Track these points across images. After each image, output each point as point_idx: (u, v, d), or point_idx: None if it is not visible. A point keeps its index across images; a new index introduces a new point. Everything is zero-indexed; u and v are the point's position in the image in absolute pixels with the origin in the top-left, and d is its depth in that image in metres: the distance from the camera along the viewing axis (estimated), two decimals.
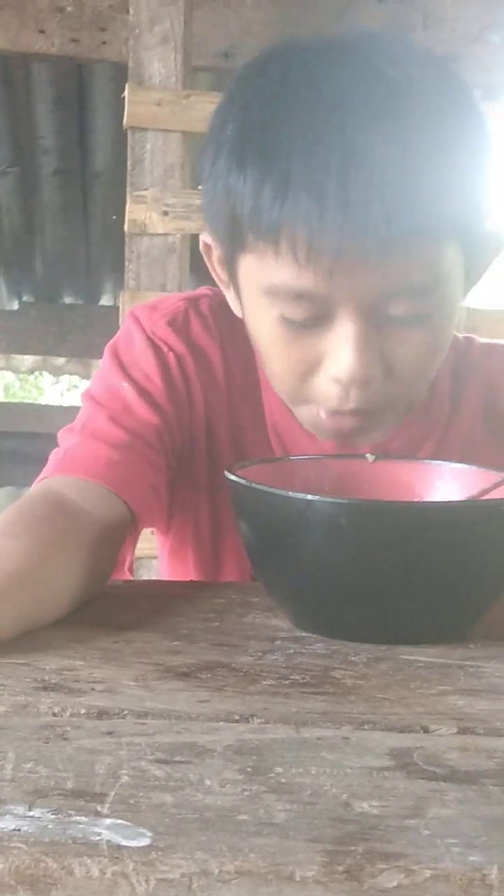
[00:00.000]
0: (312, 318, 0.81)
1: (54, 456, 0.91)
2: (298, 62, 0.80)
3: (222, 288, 0.92)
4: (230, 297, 0.91)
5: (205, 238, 0.91)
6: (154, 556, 1.15)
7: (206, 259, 0.92)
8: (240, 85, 0.83)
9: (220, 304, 0.96)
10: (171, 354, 0.95)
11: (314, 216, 0.75)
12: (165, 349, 0.95)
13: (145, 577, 1.89)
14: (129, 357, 0.95)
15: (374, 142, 0.75)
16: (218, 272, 0.91)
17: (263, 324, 0.85)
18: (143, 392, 0.93)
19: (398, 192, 0.74)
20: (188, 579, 1.01)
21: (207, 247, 0.91)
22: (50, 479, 0.88)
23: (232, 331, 0.96)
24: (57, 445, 0.93)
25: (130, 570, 0.93)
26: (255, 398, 0.97)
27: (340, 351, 0.81)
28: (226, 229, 0.83)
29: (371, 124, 0.75)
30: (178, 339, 0.95)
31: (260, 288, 0.83)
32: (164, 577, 1.06)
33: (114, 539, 0.85)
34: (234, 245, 0.84)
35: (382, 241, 0.75)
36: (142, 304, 0.99)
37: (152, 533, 1.07)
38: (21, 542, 0.76)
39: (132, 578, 0.94)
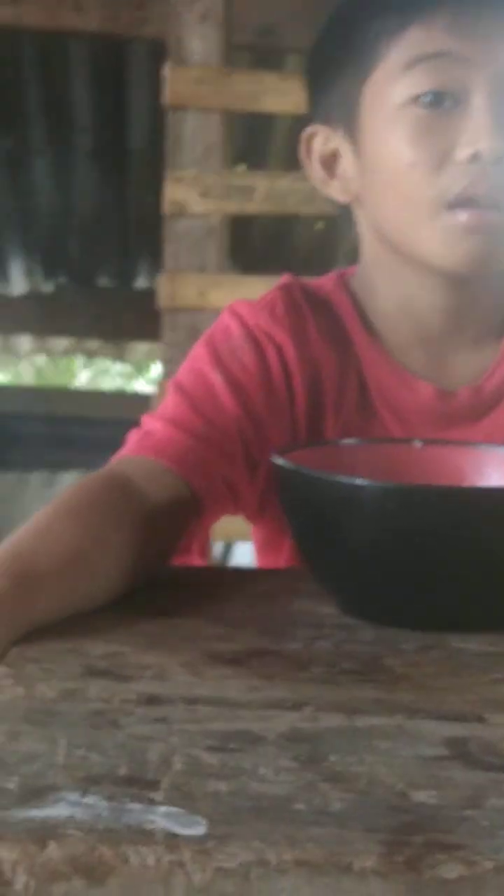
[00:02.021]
0: (448, 90, 0.87)
1: (132, 436, 0.91)
2: None
3: (321, 182, 0.97)
4: (333, 185, 0.96)
5: (311, 129, 0.96)
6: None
7: (305, 159, 0.97)
8: None
9: (307, 289, 1.00)
10: (270, 347, 0.95)
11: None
12: (266, 341, 0.95)
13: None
14: (226, 347, 0.95)
15: None
16: (321, 163, 0.96)
17: (393, 128, 0.89)
18: (233, 382, 0.93)
19: None
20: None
21: (309, 143, 0.96)
22: (121, 459, 0.88)
23: (325, 308, 0.99)
24: (132, 427, 0.93)
25: (202, 554, 0.93)
26: (356, 367, 0.98)
27: (477, 122, 0.86)
28: (355, 59, 0.91)
29: None
30: (280, 327, 0.96)
31: (395, 75, 0.88)
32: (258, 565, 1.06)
33: (174, 525, 0.85)
34: (364, 71, 0.91)
35: None
36: (240, 300, 1.00)
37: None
38: (74, 525, 0.76)
39: (203, 563, 0.94)
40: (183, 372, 0.96)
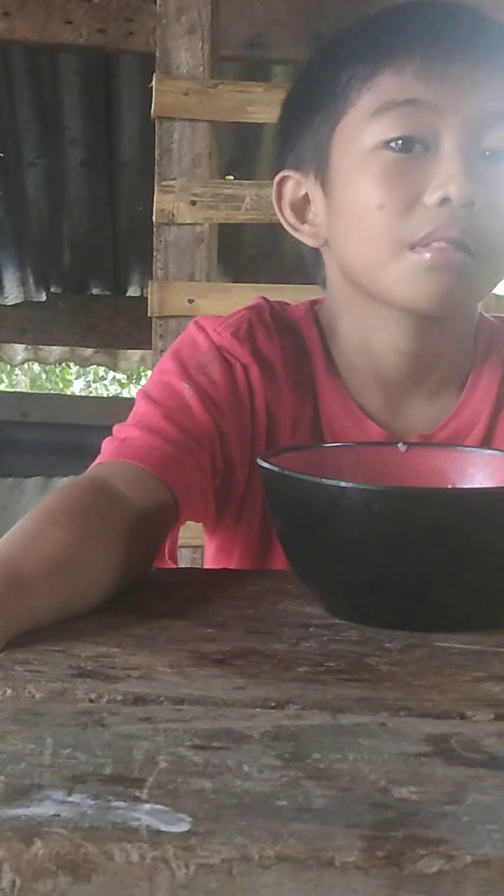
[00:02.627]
0: (418, 136, 0.88)
1: (108, 444, 0.92)
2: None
3: (291, 227, 0.99)
4: (303, 230, 0.98)
5: (283, 174, 0.98)
6: (187, 546, 1.15)
7: (276, 204, 0.99)
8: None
9: (279, 313, 1.02)
10: (237, 365, 0.96)
11: (429, 36, 0.88)
12: (232, 360, 0.97)
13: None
14: (193, 361, 0.96)
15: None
16: (291, 209, 0.98)
17: (363, 171, 0.90)
18: (203, 395, 0.94)
19: (490, 33, 0.90)
20: None
21: (280, 188, 0.98)
22: (101, 466, 0.89)
23: (292, 335, 1.00)
24: (101, 438, 0.94)
25: (172, 557, 0.94)
26: (312, 399, 0.99)
27: (447, 167, 0.87)
28: (327, 104, 0.93)
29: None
30: (244, 348, 0.97)
31: (365, 120, 0.90)
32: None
33: (156, 530, 0.86)
34: (334, 117, 0.92)
35: (478, 61, 0.88)
36: (206, 315, 1.02)
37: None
38: (62, 530, 0.77)
39: (174, 566, 0.95)
40: (151, 384, 0.97)
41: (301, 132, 0.96)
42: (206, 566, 1.10)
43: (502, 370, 1.01)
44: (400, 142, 0.88)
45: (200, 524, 1.05)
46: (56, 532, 0.76)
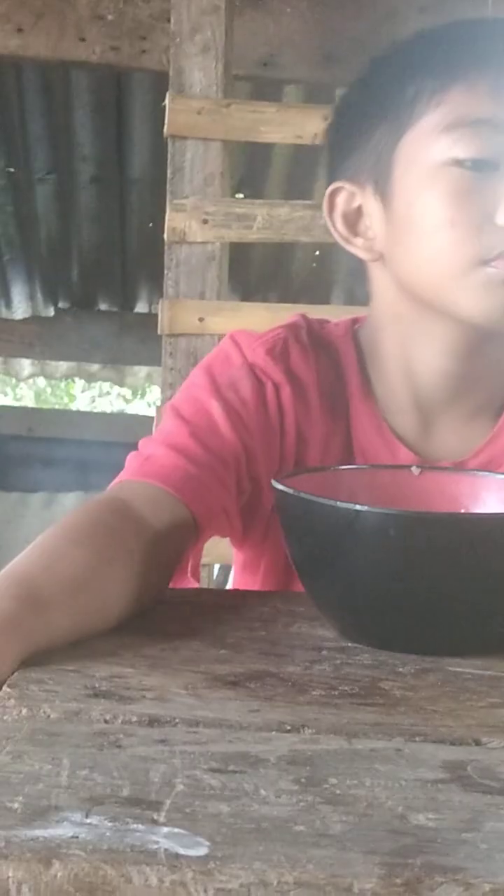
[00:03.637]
0: (491, 157, 0.87)
1: (133, 460, 0.92)
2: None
3: (343, 239, 0.97)
4: (356, 243, 0.96)
5: (336, 185, 0.96)
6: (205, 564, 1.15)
7: (327, 215, 0.97)
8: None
9: (317, 331, 1.01)
10: (269, 384, 0.96)
11: (501, 53, 0.88)
12: (264, 379, 0.96)
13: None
14: (224, 378, 0.96)
15: None
16: (343, 220, 0.96)
17: (431, 188, 0.89)
18: (231, 413, 0.93)
19: None
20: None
21: (332, 200, 0.96)
22: (122, 484, 0.89)
23: (328, 355, 0.99)
24: (133, 449, 0.94)
25: (195, 575, 0.94)
26: (345, 421, 0.99)
27: None
28: (391, 117, 0.92)
29: None
30: (277, 367, 0.96)
31: (434, 136, 0.89)
32: (236, 587, 1.08)
33: (174, 551, 0.86)
34: (397, 131, 0.91)
35: None
36: (242, 330, 1.01)
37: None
38: (81, 550, 0.77)
39: (197, 585, 0.95)
40: (181, 398, 0.97)
41: (358, 143, 0.95)
42: (233, 579, 1.10)
43: None
44: (470, 162, 0.88)
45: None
46: (75, 552, 0.76)
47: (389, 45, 0.98)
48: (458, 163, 0.88)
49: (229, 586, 1.43)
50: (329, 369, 0.99)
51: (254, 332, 1.00)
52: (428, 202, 0.90)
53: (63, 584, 0.72)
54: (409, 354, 0.96)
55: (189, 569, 0.92)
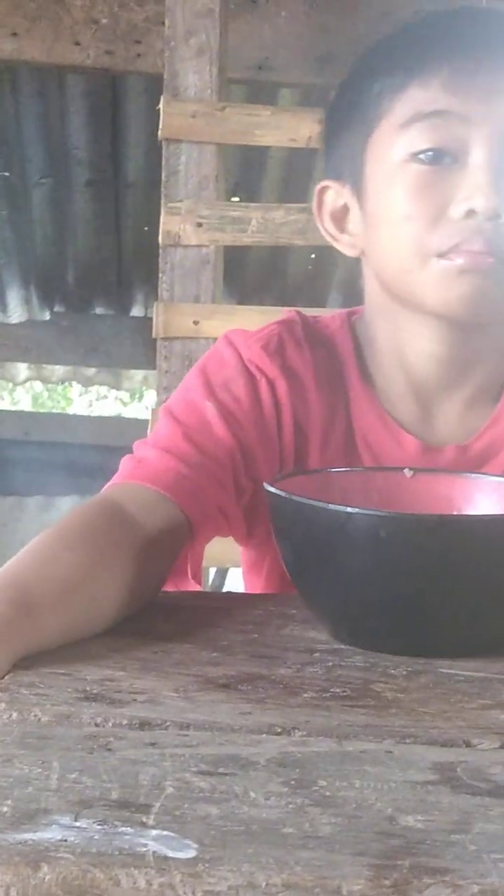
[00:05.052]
0: (447, 147, 0.89)
1: (126, 463, 0.92)
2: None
3: (331, 237, 0.99)
4: (342, 240, 0.98)
5: (323, 184, 0.99)
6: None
7: (316, 213, 1.00)
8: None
9: (311, 325, 1.02)
10: (263, 381, 0.96)
11: (457, 46, 0.90)
12: (259, 375, 0.96)
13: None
14: (219, 377, 0.96)
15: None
16: (331, 218, 0.99)
17: (393, 183, 0.91)
18: (225, 413, 0.94)
19: None
20: (260, 591, 1.03)
21: (321, 197, 0.99)
22: (115, 487, 0.89)
23: (325, 347, 1.00)
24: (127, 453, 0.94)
25: (196, 577, 0.94)
26: (345, 412, 0.99)
27: (474, 179, 0.87)
28: (360, 116, 0.94)
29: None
30: (273, 363, 0.97)
31: (395, 132, 0.91)
32: (245, 588, 1.08)
33: (168, 551, 0.86)
34: (367, 128, 0.93)
35: None
36: (236, 329, 1.02)
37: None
38: (73, 553, 0.77)
39: (199, 587, 0.95)
40: (175, 400, 0.97)
41: (339, 142, 0.98)
42: (243, 580, 1.10)
43: None
44: (430, 153, 0.89)
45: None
46: (67, 555, 0.76)
47: (368, 46, 0.99)
48: (416, 157, 0.90)
49: (226, 589, 1.44)
50: (326, 362, 0.99)
51: (248, 331, 1.00)
52: (390, 198, 0.92)
53: (54, 587, 0.72)
54: (402, 343, 0.97)
55: (190, 571, 0.92)
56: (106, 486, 0.91)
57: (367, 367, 1.00)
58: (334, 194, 0.98)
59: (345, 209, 0.98)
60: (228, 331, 1.01)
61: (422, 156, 0.89)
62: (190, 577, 0.92)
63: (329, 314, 1.05)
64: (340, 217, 0.98)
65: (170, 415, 0.95)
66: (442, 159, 0.89)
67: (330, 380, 0.99)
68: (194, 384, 0.97)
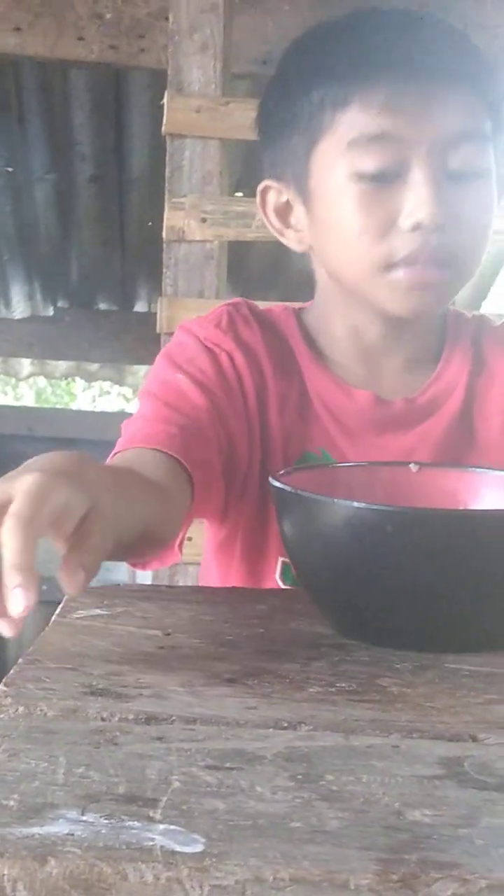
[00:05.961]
0: (390, 168, 0.93)
1: (119, 441, 0.96)
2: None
3: (277, 232, 1.04)
4: (289, 235, 1.03)
5: (265, 184, 1.03)
6: (193, 563, 1.18)
7: (261, 210, 1.04)
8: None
9: (257, 311, 1.09)
10: (223, 354, 1.03)
11: (394, 61, 0.92)
12: (217, 350, 1.03)
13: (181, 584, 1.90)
14: (182, 357, 1.03)
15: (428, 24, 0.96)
16: (276, 215, 1.03)
17: (342, 199, 0.95)
18: (196, 381, 1.00)
19: (453, 49, 0.95)
20: (230, 571, 1.07)
21: (264, 196, 1.04)
22: (114, 458, 0.94)
23: (271, 326, 1.08)
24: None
25: (180, 547, 0.98)
26: (298, 379, 1.06)
27: (417, 194, 0.93)
28: (302, 124, 0.97)
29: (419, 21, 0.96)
30: (227, 337, 1.04)
31: (340, 150, 0.94)
32: (207, 572, 1.13)
33: (177, 503, 0.90)
34: (310, 138, 0.96)
35: (442, 83, 0.93)
36: (189, 319, 1.09)
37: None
38: (109, 470, 0.84)
39: (179, 559, 0.99)
40: (149, 382, 1.04)
41: (277, 142, 1.01)
42: (204, 570, 1.15)
43: (472, 346, 1.08)
44: (372, 174, 0.93)
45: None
46: (105, 469, 0.82)
47: (297, 37, 1.03)
48: (362, 177, 0.94)
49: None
50: (273, 339, 1.06)
51: (199, 317, 1.07)
52: (340, 213, 0.96)
53: (105, 482, 0.75)
54: (353, 323, 1.04)
55: (176, 542, 0.96)
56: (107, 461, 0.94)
57: (314, 341, 1.07)
58: (276, 193, 1.02)
59: (288, 206, 1.02)
60: (183, 322, 1.08)
61: (367, 176, 0.94)
62: (176, 545, 0.96)
63: (270, 307, 1.12)
64: (284, 213, 1.03)
65: (147, 394, 1.01)
66: (385, 177, 0.93)
67: (280, 353, 1.06)
68: (163, 366, 1.03)
